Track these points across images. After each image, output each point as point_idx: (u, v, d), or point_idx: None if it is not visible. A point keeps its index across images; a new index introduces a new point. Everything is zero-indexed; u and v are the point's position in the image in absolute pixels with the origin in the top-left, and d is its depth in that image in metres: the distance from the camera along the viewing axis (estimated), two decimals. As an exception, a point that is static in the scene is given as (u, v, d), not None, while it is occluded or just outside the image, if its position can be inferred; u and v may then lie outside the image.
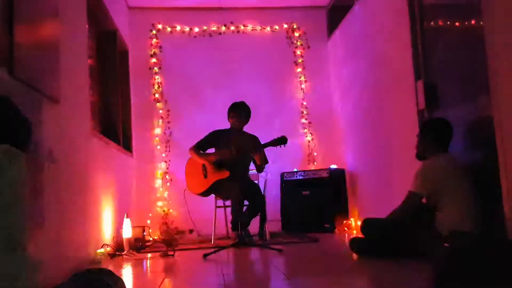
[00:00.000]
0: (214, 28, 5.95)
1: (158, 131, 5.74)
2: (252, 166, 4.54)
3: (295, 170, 5.56)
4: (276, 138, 4.23)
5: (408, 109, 3.67)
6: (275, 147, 4.20)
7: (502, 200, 2.45)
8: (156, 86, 5.77)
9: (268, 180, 4.83)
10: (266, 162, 4.50)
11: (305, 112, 5.97)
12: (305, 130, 5.94)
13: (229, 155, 4.24)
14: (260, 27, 6.03)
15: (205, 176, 4.40)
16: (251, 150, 4.26)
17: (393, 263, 2.79)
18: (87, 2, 3.79)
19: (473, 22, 3.01)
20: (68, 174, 2.99)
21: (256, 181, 4.64)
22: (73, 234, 3.01)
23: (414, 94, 3.56)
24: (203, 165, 4.43)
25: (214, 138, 4.58)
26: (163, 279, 2.69)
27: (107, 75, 4.88)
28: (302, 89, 6.00)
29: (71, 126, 3.18)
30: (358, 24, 5.00)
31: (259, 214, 4.45)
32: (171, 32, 5.89)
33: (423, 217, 2.94)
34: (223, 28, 5.96)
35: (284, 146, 4.26)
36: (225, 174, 4.30)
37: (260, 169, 4.46)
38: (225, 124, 4.62)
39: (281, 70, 6.01)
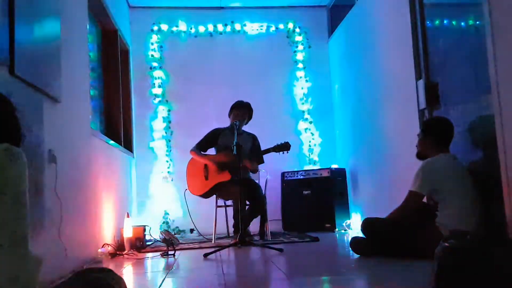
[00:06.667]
0: (214, 28, 5.95)
1: (159, 130, 5.74)
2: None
3: (295, 169, 5.57)
4: (279, 144, 4.23)
5: (408, 108, 3.67)
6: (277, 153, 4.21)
7: (503, 200, 2.45)
8: (157, 86, 5.78)
9: (268, 180, 4.83)
10: (261, 162, 4.49)
11: (306, 112, 5.97)
12: (306, 130, 5.94)
13: (230, 157, 4.23)
14: (260, 27, 6.03)
15: (206, 178, 4.39)
16: (245, 155, 4.24)
17: (394, 263, 2.79)
18: (88, 1, 3.79)
19: (474, 21, 3.00)
20: (68, 174, 2.99)
21: (256, 181, 4.63)
22: (74, 234, 3.01)
23: (415, 93, 3.56)
24: (205, 166, 4.42)
25: (214, 137, 4.58)
26: (164, 278, 2.70)
27: (108, 75, 4.89)
28: (302, 88, 6.00)
29: (71, 125, 3.19)
30: (359, 23, 4.99)
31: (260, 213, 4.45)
32: (172, 31, 5.89)
33: (424, 217, 2.94)
34: (224, 27, 5.96)
35: (287, 152, 4.26)
36: (227, 176, 4.29)
37: (252, 171, 4.45)
38: (226, 124, 4.62)
39: (281, 70, 6.00)
